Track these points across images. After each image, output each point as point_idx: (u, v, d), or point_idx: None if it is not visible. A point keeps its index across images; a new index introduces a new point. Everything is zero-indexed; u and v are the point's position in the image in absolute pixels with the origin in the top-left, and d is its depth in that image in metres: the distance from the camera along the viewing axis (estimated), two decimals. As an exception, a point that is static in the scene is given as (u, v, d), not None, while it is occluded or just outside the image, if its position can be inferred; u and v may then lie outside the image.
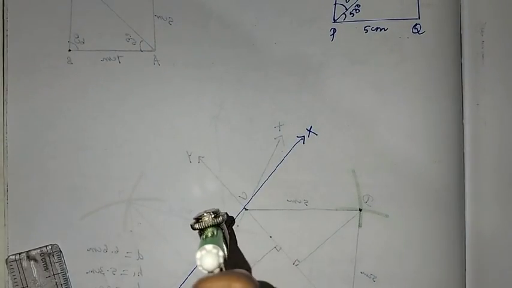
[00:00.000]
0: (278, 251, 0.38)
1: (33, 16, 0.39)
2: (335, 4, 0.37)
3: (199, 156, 0.38)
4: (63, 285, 0.38)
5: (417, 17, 0.37)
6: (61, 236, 0.38)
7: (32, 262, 0.38)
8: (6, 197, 0.38)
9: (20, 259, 0.38)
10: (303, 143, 0.38)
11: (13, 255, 0.38)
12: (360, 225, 0.37)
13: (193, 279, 0.37)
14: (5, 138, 0.39)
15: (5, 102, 0.39)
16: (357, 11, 0.37)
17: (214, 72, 0.38)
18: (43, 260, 0.38)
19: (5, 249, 0.38)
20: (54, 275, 0.38)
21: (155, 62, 0.38)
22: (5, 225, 0.38)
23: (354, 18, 0.37)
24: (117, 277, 0.38)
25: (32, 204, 0.38)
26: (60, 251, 0.38)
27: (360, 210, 0.37)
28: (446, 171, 0.37)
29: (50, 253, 0.38)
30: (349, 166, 0.37)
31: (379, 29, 0.37)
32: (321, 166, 0.37)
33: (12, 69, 0.39)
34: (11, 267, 0.38)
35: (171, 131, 0.38)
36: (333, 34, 0.37)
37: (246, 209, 0.38)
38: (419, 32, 0.37)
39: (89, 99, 0.39)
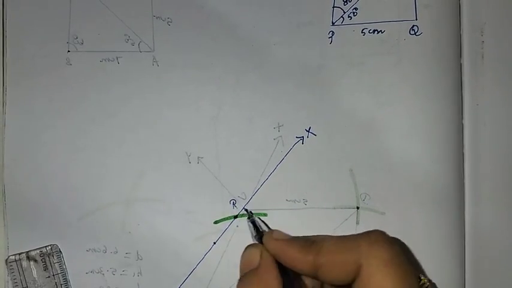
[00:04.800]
0: (277, 250, 0.38)
1: (32, 17, 0.39)
2: (333, 7, 0.38)
3: (198, 157, 0.38)
4: (62, 286, 0.38)
5: (414, 19, 0.37)
6: (60, 237, 0.38)
7: (31, 262, 0.38)
8: (4, 197, 0.38)
9: (20, 259, 0.38)
10: (302, 144, 0.38)
11: (13, 255, 0.38)
12: (357, 223, 0.38)
13: (192, 280, 0.38)
14: (4, 139, 0.39)
15: (3, 104, 0.39)
16: (355, 14, 0.38)
17: (214, 73, 0.38)
18: (43, 260, 0.38)
19: (4, 249, 0.38)
20: (54, 275, 0.38)
21: (154, 63, 0.38)
22: (4, 225, 0.38)
23: (351, 21, 0.38)
24: (116, 277, 0.38)
25: (31, 205, 0.38)
26: (60, 251, 0.38)
27: (357, 208, 0.38)
28: (446, 171, 0.37)
29: (49, 253, 0.38)
30: (347, 166, 0.38)
31: (376, 32, 0.37)
32: (320, 166, 0.38)
33: (10, 70, 0.39)
34: (11, 267, 0.38)
35: (170, 132, 0.38)
36: (331, 37, 0.38)
37: (246, 210, 0.38)
38: (417, 34, 0.37)
39: (87, 100, 0.38)
